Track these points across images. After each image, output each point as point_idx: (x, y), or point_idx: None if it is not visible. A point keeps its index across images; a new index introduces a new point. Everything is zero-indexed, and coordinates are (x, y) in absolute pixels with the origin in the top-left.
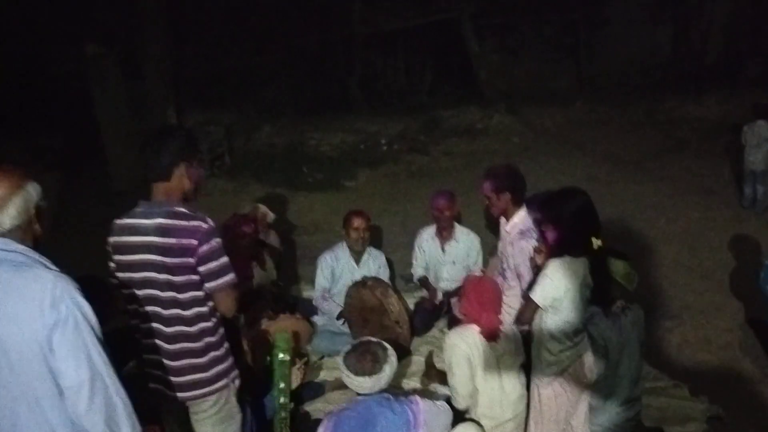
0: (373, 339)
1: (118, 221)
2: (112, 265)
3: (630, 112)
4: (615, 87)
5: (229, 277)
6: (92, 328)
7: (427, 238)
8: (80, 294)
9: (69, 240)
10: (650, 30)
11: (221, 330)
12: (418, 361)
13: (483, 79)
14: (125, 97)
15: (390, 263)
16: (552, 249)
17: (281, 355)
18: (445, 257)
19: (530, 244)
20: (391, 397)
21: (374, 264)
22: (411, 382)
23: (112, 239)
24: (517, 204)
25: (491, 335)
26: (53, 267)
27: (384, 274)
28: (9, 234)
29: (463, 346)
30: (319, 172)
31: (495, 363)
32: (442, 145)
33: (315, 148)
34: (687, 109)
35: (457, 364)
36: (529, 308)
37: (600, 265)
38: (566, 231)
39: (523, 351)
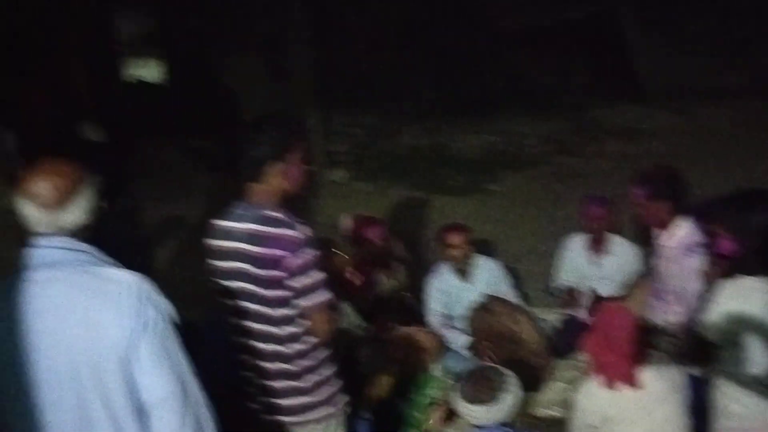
0: (492, 365)
1: (216, 222)
2: (210, 268)
3: None
4: None
5: (324, 295)
6: (178, 335)
7: (575, 248)
8: (161, 295)
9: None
10: None
11: (322, 352)
12: (559, 388)
13: (644, 75)
14: (269, 99)
15: (532, 274)
16: (727, 267)
17: (429, 399)
18: (598, 272)
19: (699, 261)
20: (510, 430)
21: (487, 276)
22: (550, 411)
23: (210, 241)
24: (677, 214)
25: (623, 382)
26: (123, 267)
27: (502, 286)
28: (71, 232)
29: (590, 408)
30: (460, 175)
31: (646, 418)
32: (595, 147)
33: (458, 150)
34: None
35: (581, 427)
36: (696, 342)
37: None
38: (751, 244)
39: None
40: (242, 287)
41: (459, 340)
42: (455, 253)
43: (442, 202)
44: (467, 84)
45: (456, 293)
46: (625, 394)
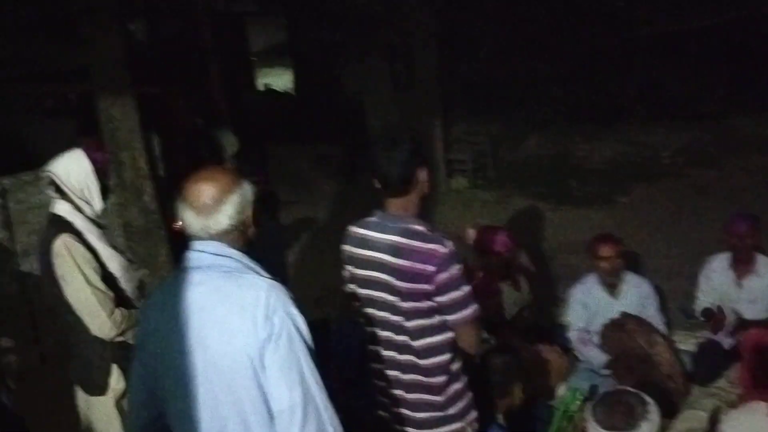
0: (631, 389)
1: (353, 229)
2: (346, 274)
3: None
4: None
5: (472, 309)
6: (306, 345)
7: (717, 268)
8: (295, 306)
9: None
10: None
11: (458, 366)
12: (697, 417)
13: None
14: (395, 108)
15: (661, 293)
16: None
17: (569, 410)
18: (742, 294)
19: None
20: None
21: (635, 295)
22: None
23: (347, 248)
24: None
25: None
26: (266, 274)
27: (650, 307)
28: (221, 237)
29: None
30: (587, 186)
31: None
32: (737, 159)
33: (584, 160)
34: None
35: None
36: None
37: None
38: None
39: None
40: (381, 297)
41: (596, 357)
42: (605, 265)
43: (566, 213)
44: (597, 91)
45: (600, 308)
46: None
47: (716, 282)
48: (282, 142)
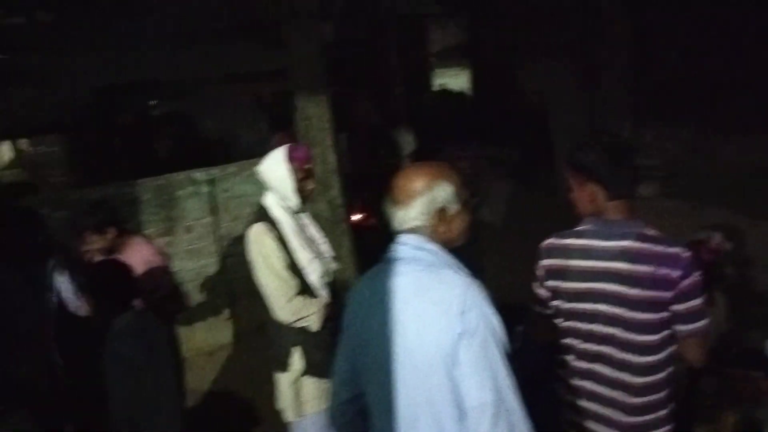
0: None
1: (557, 242)
2: (542, 292)
3: None
4: None
5: (707, 320)
6: (501, 345)
7: None
8: (491, 305)
9: (509, 248)
10: None
11: (669, 386)
12: None
13: None
14: (581, 108)
15: None
16: None
17: None
18: None
19: None
20: None
21: None
22: None
23: (549, 262)
24: None
25: None
26: (464, 271)
27: None
28: (419, 231)
29: None
30: None
31: None
32: None
33: None
34: None
35: None
36: None
37: None
38: None
39: None
40: (607, 310)
41: None
42: None
43: (764, 227)
44: None
45: None
46: None
47: None
48: (456, 143)
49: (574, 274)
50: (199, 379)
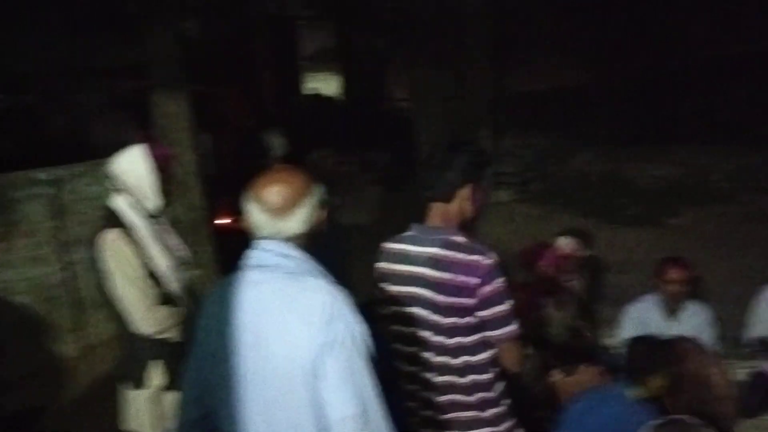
0: (696, 420)
1: (389, 246)
2: (377, 294)
3: None
4: None
5: (513, 327)
6: (366, 354)
7: None
8: (356, 313)
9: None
10: None
11: (500, 385)
12: None
13: None
14: (443, 117)
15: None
16: None
17: None
18: None
19: None
20: None
21: (695, 321)
22: None
23: (381, 265)
24: None
25: None
26: (329, 279)
27: (709, 334)
28: (291, 239)
29: None
30: (636, 206)
31: None
32: None
33: (634, 180)
34: None
35: None
36: None
37: None
38: None
39: None
40: (421, 314)
41: None
42: (671, 288)
43: (613, 232)
44: (651, 111)
45: (655, 330)
46: None
47: None
48: (327, 147)
49: (396, 278)
50: (38, 396)
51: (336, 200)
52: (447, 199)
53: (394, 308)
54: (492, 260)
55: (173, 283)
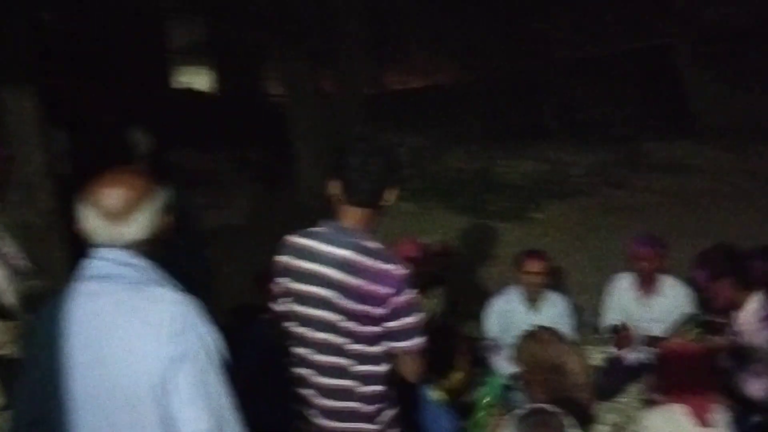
0: (556, 409)
1: (294, 239)
2: (275, 288)
3: None
4: None
5: (420, 340)
6: (219, 365)
7: (623, 287)
8: (207, 322)
9: (251, 250)
10: None
11: (392, 393)
12: None
13: (698, 111)
14: (319, 114)
15: (574, 309)
16: None
17: (488, 399)
18: (646, 313)
19: None
20: None
21: (554, 311)
22: None
23: (284, 258)
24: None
25: (700, 420)
26: (176, 287)
27: (567, 324)
28: (130, 246)
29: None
30: (504, 201)
31: None
32: (644, 181)
33: (503, 176)
34: None
35: None
36: None
37: None
38: None
39: None
40: (322, 316)
41: (507, 368)
42: (531, 280)
43: (484, 227)
44: (517, 110)
45: (517, 321)
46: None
47: (622, 300)
48: (200, 144)
49: (300, 275)
50: None
51: (198, 202)
52: (372, 204)
53: (292, 306)
54: (404, 270)
55: (8, 295)
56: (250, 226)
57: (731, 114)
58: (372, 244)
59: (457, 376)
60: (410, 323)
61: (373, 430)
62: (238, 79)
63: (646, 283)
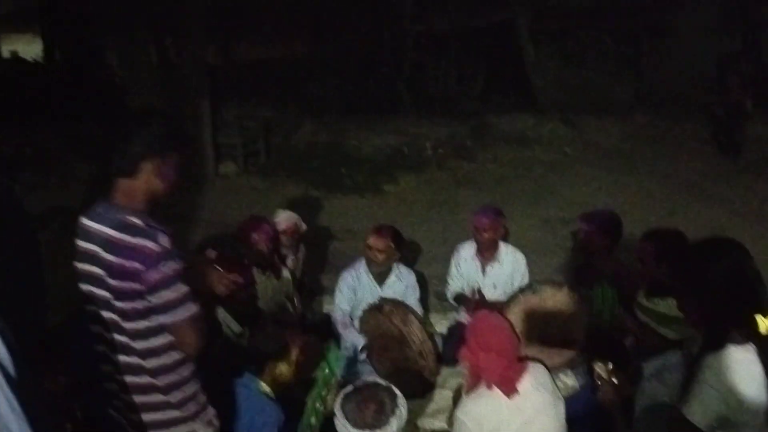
0: (382, 382)
1: (81, 220)
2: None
3: (694, 128)
4: (679, 101)
5: (188, 311)
6: (4, 376)
7: (466, 256)
8: None
9: None
10: (718, 40)
11: (186, 368)
12: (445, 397)
13: (537, 86)
14: (158, 87)
15: (425, 279)
16: (706, 335)
17: (327, 371)
18: (486, 280)
19: None
20: None
21: (401, 285)
22: (436, 422)
23: (76, 240)
24: None
25: (504, 390)
26: None
27: (413, 296)
28: None
29: (470, 425)
30: (358, 174)
31: (524, 428)
32: (490, 153)
33: (356, 149)
34: (757, 127)
35: None
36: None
37: None
38: (716, 305)
39: (561, 397)
40: (99, 294)
41: (356, 340)
42: (377, 255)
43: (338, 201)
44: (369, 83)
45: (366, 294)
46: (503, 401)
47: (464, 269)
48: (29, 117)
49: (80, 255)
50: None
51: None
52: (129, 173)
53: (82, 287)
54: (161, 245)
55: None
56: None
57: (567, 89)
58: (132, 219)
59: (283, 368)
60: (171, 298)
61: (169, 402)
62: (69, 48)
63: (487, 252)
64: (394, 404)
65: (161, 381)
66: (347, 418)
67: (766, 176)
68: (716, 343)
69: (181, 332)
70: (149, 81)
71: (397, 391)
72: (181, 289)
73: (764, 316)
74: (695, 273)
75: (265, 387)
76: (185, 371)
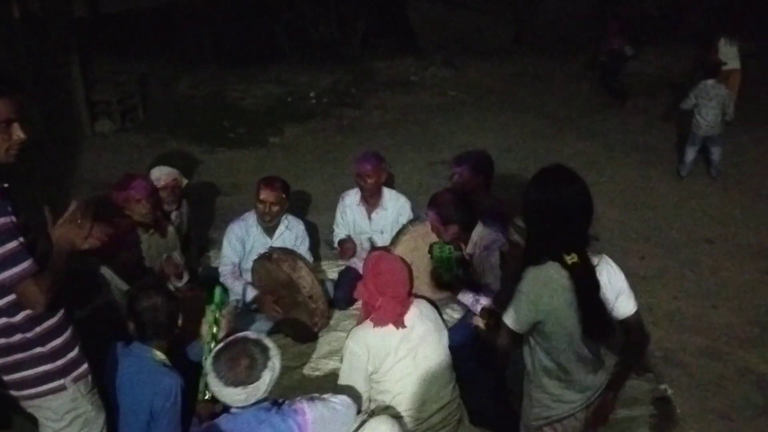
0: (251, 336)
1: None
2: None
3: (570, 66)
4: (555, 40)
5: (21, 267)
6: None
7: (350, 204)
8: None
9: None
10: None
11: (42, 324)
12: (338, 338)
13: (418, 30)
14: (21, 42)
15: (315, 228)
16: (527, 252)
17: (212, 307)
18: (372, 226)
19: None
20: (271, 408)
21: (291, 235)
22: (330, 363)
23: None
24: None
25: (394, 323)
26: None
27: (303, 245)
28: None
29: (360, 352)
30: (241, 127)
31: (411, 359)
32: (374, 99)
33: (238, 101)
34: (635, 63)
35: (351, 369)
36: (504, 335)
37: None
38: (532, 227)
39: (445, 328)
40: None
41: (246, 292)
42: (271, 209)
43: (221, 155)
44: (247, 33)
45: (256, 247)
46: (391, 331)
47: (350, 216)
48: None
49: None
50: None
51: None
52: None
53: None
54: None
55: None
56: None
57: (447, 33)
58: None
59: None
60: (2, 252)
61: (34, 355)
62: None
63: (371, 198)
64: (266, 356)
65: (15, 339)
66: (219, 377)
67: (639, 110)
68: (533, 259)
69: (21, 288)
70: (11, 36)
71: (269, 343)
72: (10, 245)
73: (576, 251)
74: (523, 196)
75: (160, 355)
76: (35, 332)
